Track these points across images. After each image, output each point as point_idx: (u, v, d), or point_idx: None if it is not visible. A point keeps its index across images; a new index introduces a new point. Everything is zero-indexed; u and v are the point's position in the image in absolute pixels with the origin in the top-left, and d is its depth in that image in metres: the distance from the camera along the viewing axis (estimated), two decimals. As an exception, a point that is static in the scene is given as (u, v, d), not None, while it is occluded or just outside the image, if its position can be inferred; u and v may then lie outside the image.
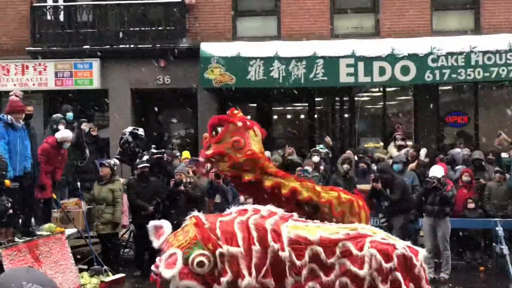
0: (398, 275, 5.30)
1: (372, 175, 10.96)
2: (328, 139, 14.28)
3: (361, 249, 5.21)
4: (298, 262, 4.82)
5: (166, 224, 5.07)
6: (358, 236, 5.31)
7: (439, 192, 9.89)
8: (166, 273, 4.66)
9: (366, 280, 5.00)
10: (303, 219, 5.38)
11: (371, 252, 5.17)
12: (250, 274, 4.68)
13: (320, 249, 4.88)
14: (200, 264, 4.66)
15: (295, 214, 5.31)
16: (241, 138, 5.80)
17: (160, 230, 5.06)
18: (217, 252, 4.69)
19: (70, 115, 11.80)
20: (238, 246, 4.74)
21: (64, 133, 10.59)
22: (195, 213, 5.04)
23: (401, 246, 5.48)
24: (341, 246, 4.98)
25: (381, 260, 5.19)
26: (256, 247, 4.76)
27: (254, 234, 4.83)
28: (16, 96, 8.92)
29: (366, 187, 10.76)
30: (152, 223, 5.12)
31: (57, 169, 10.50)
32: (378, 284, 5.23)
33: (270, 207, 5.22)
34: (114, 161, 11.49)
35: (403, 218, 10.52)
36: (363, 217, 7.00)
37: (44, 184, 9.83)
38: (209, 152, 5.89)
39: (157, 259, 4.83)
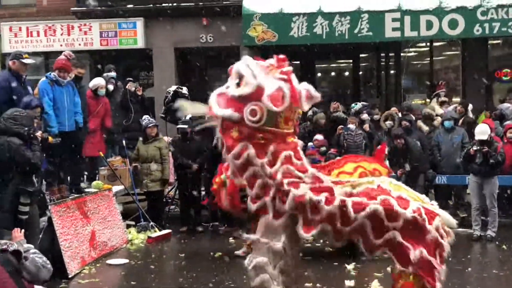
0: (397, 234, 5.21)
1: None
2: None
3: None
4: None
5: None
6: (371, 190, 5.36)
7: (491, 157, 9.61)
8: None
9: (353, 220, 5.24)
10: None
11: (374, 207, 5.19)
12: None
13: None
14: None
15: None
16: None
17: None
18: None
19: (112, 74, 11.96)
20: None
21: (95, 81, 10.92)
22: None
23: (415, 208, 5.26)
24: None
25: (384, 218, 5.19)
26: None
27: None
28: (65, 56, 9.10)
29: None
30: None
31: (105, 120, 10.78)
32: (369, 234, 5.24)
33: None
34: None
35: (424, 178, 10.86)
36: None
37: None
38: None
39: None
